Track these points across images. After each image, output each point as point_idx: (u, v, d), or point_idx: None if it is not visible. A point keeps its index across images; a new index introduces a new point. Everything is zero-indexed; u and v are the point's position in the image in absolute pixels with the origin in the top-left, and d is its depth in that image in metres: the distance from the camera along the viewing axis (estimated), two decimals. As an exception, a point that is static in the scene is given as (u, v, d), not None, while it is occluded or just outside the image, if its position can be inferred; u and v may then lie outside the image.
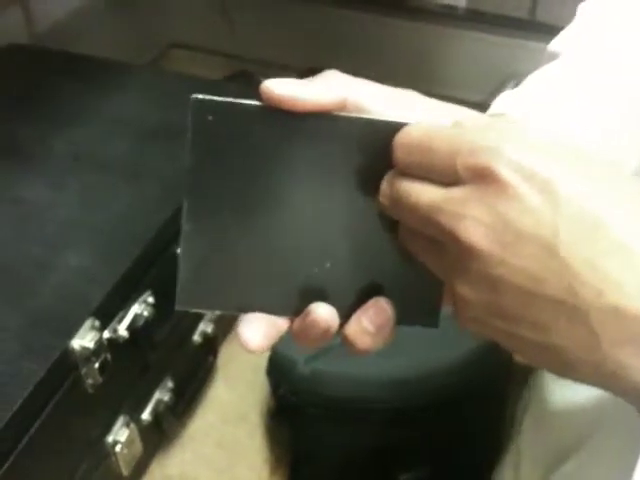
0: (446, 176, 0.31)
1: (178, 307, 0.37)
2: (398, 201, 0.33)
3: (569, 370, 0.30)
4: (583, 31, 0.50)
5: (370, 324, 0.36)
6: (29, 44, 1.09)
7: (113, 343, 0.67)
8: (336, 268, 0.37)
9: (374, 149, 0.35)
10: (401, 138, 0.33)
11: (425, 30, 1.28)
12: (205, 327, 0.88)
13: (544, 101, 0.44)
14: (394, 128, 0.34)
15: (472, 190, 0.30)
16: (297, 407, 0.81)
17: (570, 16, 0.52)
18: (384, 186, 0.34)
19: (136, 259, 0.69)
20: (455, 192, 0.31)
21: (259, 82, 0.35)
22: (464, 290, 0.31)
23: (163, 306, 0.73)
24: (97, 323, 0.64)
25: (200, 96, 0.35)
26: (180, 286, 0.37)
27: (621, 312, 0.28)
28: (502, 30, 1.24)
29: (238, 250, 0.36)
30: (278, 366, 0.84)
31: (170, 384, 0.83)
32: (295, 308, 0.37)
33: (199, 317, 0.88)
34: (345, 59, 0.33)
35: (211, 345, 0.91)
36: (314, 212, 0.36)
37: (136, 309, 0.70)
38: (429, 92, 0.38)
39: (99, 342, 0.64)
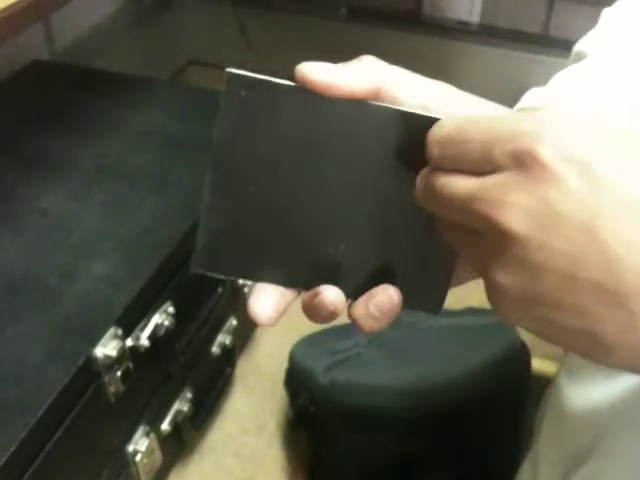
0: (482, 165, 0.31)
1: (193, 269, 0.38)
2: (434, 195, 0.33)
3: (607, 355, 0.30)
4: (610, 33, 0.50)
5: (376, 310, 0.37)
6: (51, 60, 1.11)
7: (135, 352, 0.68)
8: (350, 250, 0.37)
9: (403, 140, 0.35)
10: (435, 133, 0.33)
11: (440, 45, 1.29)
12: (223, 339, 0.89)
13: (571, 97, 0.44)
14: (425, 121, 0.34)
15: (511, 175, 0.30)
16: (316, 416, 0.81)
17: (583, 31, 0.52)
18: (419, 181, 0.34)
19: (158, 269, 0.70)
20: (492, 179, 0.30)
21: None
22: (502, 278, 0.31)
23: (182, 317, 0.74)
24: (120, 331, 0.65)
25: (235, 70, 0.35)
26: (197, 250, 0.38)
27: None
28: (516, 45, 1.25)
29: (257, 222, 0.37)
30: (297, 376, 0.84)
31: (189, 395, 0.83)
32: (306, 282, 0.38)
33: (218, 329, 0.88)
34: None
35: (229, 357, 0.92)
36: (335, 193, 0.37)
37: (157, 319, 0.71)
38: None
39: (122, 350, 0.65)
